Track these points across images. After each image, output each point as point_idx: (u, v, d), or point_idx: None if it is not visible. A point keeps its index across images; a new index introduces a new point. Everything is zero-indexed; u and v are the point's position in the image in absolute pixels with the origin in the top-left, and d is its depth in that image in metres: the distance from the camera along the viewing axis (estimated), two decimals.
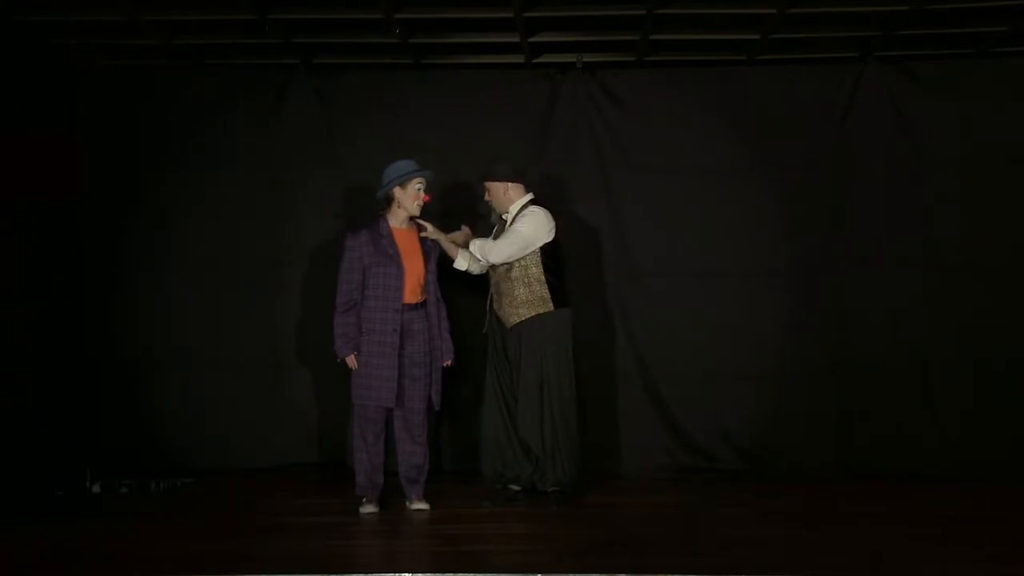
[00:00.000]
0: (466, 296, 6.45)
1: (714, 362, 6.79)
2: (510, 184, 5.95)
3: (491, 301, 6.02)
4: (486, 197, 6.06)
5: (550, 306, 5.88)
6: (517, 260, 5.84)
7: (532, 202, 5.97)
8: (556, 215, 5.99)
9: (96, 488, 6.36)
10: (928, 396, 6.71)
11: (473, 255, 5.88)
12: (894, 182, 6.81)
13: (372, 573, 4.44)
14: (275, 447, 6.85)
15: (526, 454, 5.94)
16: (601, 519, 5.62)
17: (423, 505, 5.86)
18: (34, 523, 5.53)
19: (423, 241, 5.83)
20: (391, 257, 5.71)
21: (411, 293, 5.75)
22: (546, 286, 5.87)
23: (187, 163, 6.94)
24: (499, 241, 5.83)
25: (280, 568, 4.58)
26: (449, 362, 5.93)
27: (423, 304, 5.80)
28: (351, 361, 5.73)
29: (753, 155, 6.89)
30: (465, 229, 6.13)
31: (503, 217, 6.01)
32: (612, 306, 6.89)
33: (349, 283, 5.75)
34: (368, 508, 5.78)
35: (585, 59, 6.90)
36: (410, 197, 5.75)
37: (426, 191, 5.83)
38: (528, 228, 5.83)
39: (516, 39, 6.55)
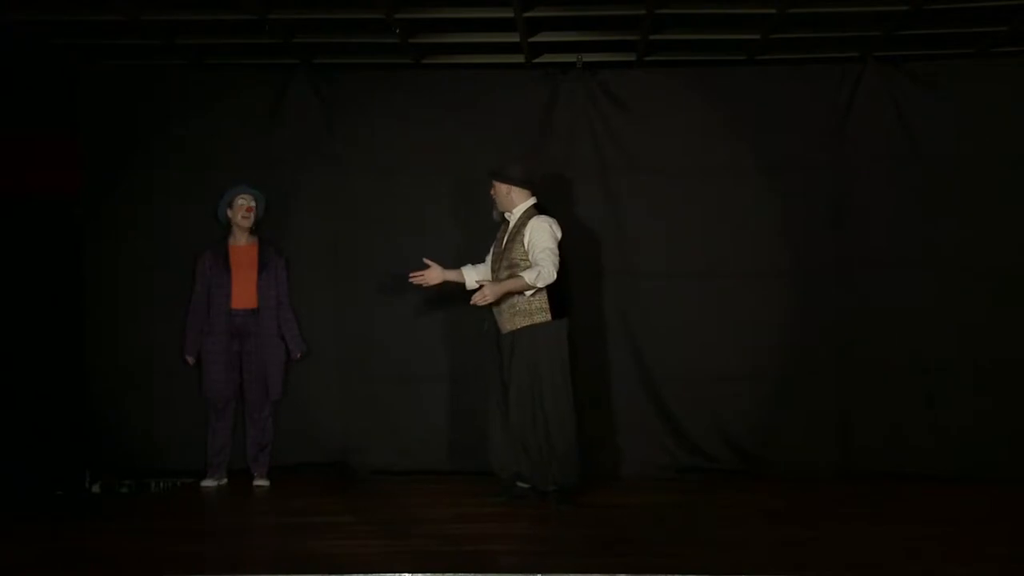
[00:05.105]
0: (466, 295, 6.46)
1: (714, 362, 6.79)
2: (515, 188, 5.94)
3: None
4: (492, 192, 6.03)
5: (547, 316, 5.81)
6: (519, 269, 5.79)
7: (535, 207, 5.95)
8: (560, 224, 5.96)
9: (96, 488, 6.36)
10: (928, 396, 6.71)
11: (527, 284, 5.72)
12: (894, 182, 6.81)
13: (372, 573, 4.43)
14: (275, 447, 6.81)
15: (526, 453, 5.93)
16: (601, 519, 5.61)
17: (263, 482, 6.57)
18: (34, 523, 5.52)
19: (261, 255, 6.58)
20: (225, 268, 6.52)
21: (240, 300, 6.52)
22: (545, 295, 5.81)
23: (187, 163, 6.94)
24: (542, 267, 5.69)
25: (280, 568, 4.57)
26: (299, 355, 6.67)
27: (256, 310, 6.54)
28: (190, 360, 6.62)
29: (753, 155, 6.89)
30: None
31: (505, 216, 6.00)
32: (612, 306, 6.88)
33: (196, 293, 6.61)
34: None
35: (585, 59, 6.91)
36: (238, 215, 6.53)
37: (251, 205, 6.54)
38: (547, 239, 5.77)
39: (516, 39, 6.55)
